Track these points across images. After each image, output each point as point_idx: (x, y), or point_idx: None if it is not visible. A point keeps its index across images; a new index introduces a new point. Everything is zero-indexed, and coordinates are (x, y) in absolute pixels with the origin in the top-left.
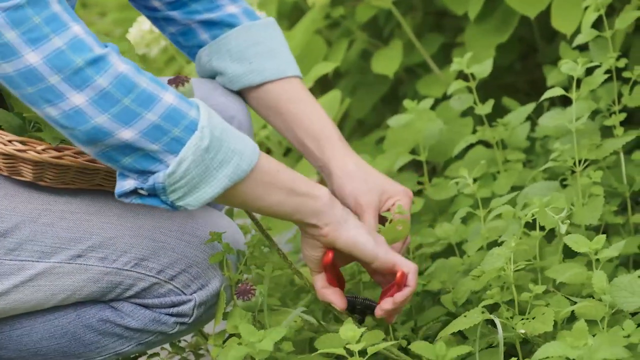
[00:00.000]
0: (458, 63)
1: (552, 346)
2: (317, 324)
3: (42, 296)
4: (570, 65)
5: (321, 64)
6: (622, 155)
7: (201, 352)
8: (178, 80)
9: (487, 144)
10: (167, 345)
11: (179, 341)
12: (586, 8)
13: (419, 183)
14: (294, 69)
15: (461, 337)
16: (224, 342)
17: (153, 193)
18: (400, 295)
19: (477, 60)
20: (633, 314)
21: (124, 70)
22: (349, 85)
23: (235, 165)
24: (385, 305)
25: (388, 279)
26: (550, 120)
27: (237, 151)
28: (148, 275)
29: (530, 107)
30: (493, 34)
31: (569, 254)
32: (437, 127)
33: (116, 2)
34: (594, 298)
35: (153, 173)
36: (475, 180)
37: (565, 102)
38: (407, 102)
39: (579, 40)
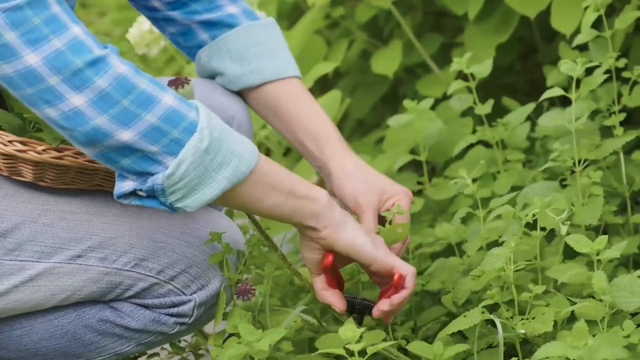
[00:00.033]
0: (458, 63)
1: (552, 346)
2: (317, 324)
3: (42, 296)
4: (569, 65)
5: (321, 64)
6: (621, 155)
7: (201, 352)
8: (178, 82)
9: (486, 144)
10: (167, 346)
11: (179, 341)
12: (586, 8)
13: (419, 183)
14: (294, 69)
15: (461, 337)
16: (224, 342)
17: (152, 194)
18: (397, 297)
19: (476, 60)
20: (633, 314)
21: (123, 71)
22: (348, 85)
23: (234, 167)
24: (382, 306)
25: (386, 280)
26: (550, 120)
27: (237, 153)
28: (148, 276)
29: (530, 107)
30: (493, 34)
31: (569, 254)
32: (437, 127)
33: (116, 2)
34: (594, 298)
35: (152, 174)
36: (475, 180)
37: (565, 102)
38: (406, 102)
39: (579, 40)
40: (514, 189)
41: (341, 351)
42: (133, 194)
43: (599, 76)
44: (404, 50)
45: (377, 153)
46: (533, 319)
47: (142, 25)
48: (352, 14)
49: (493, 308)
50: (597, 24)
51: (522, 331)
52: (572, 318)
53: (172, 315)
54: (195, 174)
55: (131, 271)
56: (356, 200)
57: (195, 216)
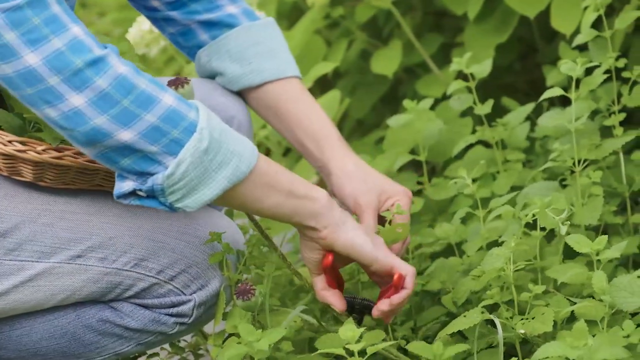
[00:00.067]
0: (457, 63)
1: (552, 346)
2: (317, 324)
3: (42, 296)
4: (569, 65)
5: (321, 64)
6: (621, 155)
7: (200, 352)
8: (178, 82)
9: (486, 144)
10: (166, 345)
11: (179, 341)
12: (586, 8)
13: (419, 183)
14: (294, 69)
15: (461, 337)
16: (224, 342)
17: (152, 194)
18: (397, 298)
19: (476, 60)
20: (633, 314)
21: (123, 71)
22: (348, 85)
23: (234, 167)
24: (382, 306)
25: (386, 280)
26: (549, 120)
27: (236, 153)
28: (148, 276)
29: (529, 107)
30: (492, 34)
31: (569, 254)
32: (437, 127)
33: (116, 2)
34: (593, 298)
35: (152, 174)
36: (474, 180)
37: (564, 102)
38: (406, 102)
39: (579, 40)
40: (513, 189)
41: (341, 351)
42: (133, 194)
43: (598, 76)
44: (404, 50)
45: (377, 153)
46: (533, 319)
47: (141, 25)
48: (352, 14)
49: (493, 308)
50: (596, 24)
51: (522, 331)
52: (571, 318)
53: (171, 315)
54: (195, 174)
55: (131, 271)
56: (356, 200)
57: (195, 216)
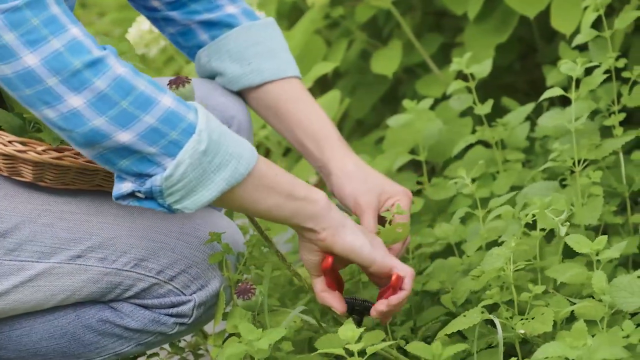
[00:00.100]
0: (457, 63)
1: (552, 346)
2: (316, 324)
3: (42, 296)
4: (569, 65)
5: (320, 64)
6: (621, 155)
7: (200, 352)
8: (179, 81)
9: (486, 144)
10: (166, 346)
11: (179, 341)
12: (585, 8)
13: (418, 183)
14: (294, 69)
15: (460, 337)
16: (224, 342)
17: (150, 196)
18: (394, 299)
19: (476, 60)
20: (632, 315)
21: (122, 72)
22: (348, 85)
23: (232, 168)
24: (380, 307)
25: (385, 282)
26: (549, 120)
27: (235, 154)
28: (148, 276)
29: (529, 107)
30: (492, 34)
31: (569, 254)
32: (437, 127)
33: (115, 2)
34: (593, 298)
35: (150, 176)
36: (474, 180)
37: (564, 102)
38: (406, 102)
39: (579, 40)
40: (513, 189)
41: (341, 351)
42: (131, 195)
43: (598, 76)
44: (404, 50)
45: (377, 153)
46: (532, 319)
47: (141, 25)
48: (352, 14)
49: (492, 308)
50: (596, 24)
51: (522, 331)
52: (571, 318)
53: (171, 315)
54: (193, 176)
55: (131, 271)
56: (356, 200)
57: (195, 216)
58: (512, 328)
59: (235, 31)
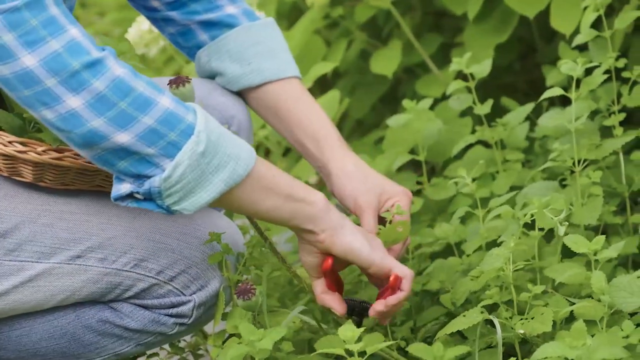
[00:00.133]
0: (457, 63)
1: (551, 346)
2: (316, 324)
3: (42, 297)
4: (569, 65)
5: (320, 64)
6: (621, 155)
7: (200, 352)
8: (179, 81)
9: (486, 144)
10: (166, 346)
11: (178, 341)
12: (585, 8)
13: (418, 183)
14: (293, 69)
15: (460, 337)
16: (224, 342)
17: (149, 197)
18: (392, 299)
19: (476, 60)
20: (632, 314)
21: (120, 73)
22: (348, 85)
23: (231, 169)
24: (378, 307)
25: (384, 282)
26: (549, 120)
27: (234, 156)
28: (147, 276)
29: (529, 107)
30: (492, 34)
31: (568, 254)
32: (436, 127)
33: (115, 2)
34: (592, 298)
35: (149, 177)
36: (474, 180)
37: (564, 102)
38: (406, 102)
39: (578, 40)
40: (513, 189)
41: (341, 352)
42: (130, 196)
43: (598, 76)
44: (403, 50)
45: (377, 153)
46: (532, 319)
47: (141, 25)
48: (351, 14)
49: (492, 308)
50: (596, 24)
51: (521, 331)
52: (571, 318)
53: (171, 315)
54: (192, 177)
55: (131, 272)
56: (356, 201)
57: (194, 217)
58: (512, 328)
59: (235, 31)
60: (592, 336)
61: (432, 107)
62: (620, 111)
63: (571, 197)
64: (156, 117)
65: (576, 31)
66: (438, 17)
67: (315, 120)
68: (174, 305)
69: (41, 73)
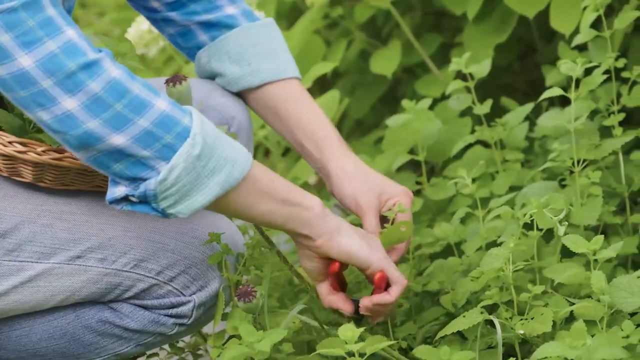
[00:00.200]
0: (457, 63)
1: (551, 346)
2: (315, 325)
3: (41, 297)
4: (569, 65)
5: (320, 64)
6: (620, 155)
7: (200, 352)
8: (176, 79)
9: (485, 144)
10: (166, 346)
11: (178, 342)
12: (585, 8)
13: (418, 183)
14: (293, 69)
15: (460, 337)
16: (224, 343)
17: (144, 200)
18: (377, 298)
19: (475, 60)
20: (632, 315)
21: (116, 75)
22: (347, 86)
23: (227, 173)
24: (365, 302)
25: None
26: (549, 120)
27: (230, 159)
28: (147, 277)
29: (528, 107)
30: (492, 34)
31: (567, 254)
32: (436, 127)
33: (115, 2)
34: (592, 298)
35: (144, 180)
36: (473, 180)
37: (564, 102)
38: (405, 102)
39: (578, 40)
40: (512, 189)
41: (341, 352)
42: (125, 199)
43: (598, 76)
44: (403, 50)
45: (376, 153)
46: (532, 319)
47: (140, 25)
48: (351, 14)
49: (492, 308)
50: (596, 24)
51: (521, 331)
52: (570, 318)
53: (171, 316)
54: (187, 180)
55: (130, 272)
56: (357, 201)
57: (194, 217)
58: (512, 328)
59: (235, 32)
60: (592, 336)
61: (431, 107)
62: (619, 111)
63: (571, 197)
64: (152, 120)
65: (576, 31)
66: (438, 17)
67: (314, 120)
68: (173, 306)
69: (37, 74)
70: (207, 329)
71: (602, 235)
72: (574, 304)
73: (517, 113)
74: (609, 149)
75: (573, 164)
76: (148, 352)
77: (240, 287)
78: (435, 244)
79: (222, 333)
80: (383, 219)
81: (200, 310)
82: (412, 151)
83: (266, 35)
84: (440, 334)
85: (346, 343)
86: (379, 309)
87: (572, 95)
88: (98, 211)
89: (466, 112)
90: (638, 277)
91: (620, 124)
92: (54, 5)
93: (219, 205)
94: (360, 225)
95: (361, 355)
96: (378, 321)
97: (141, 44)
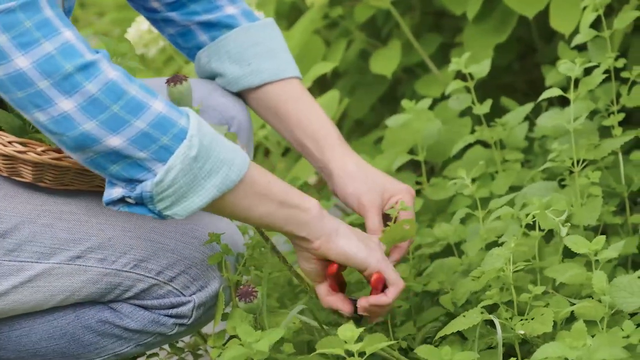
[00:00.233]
0: (456, 63)
1: (551, 347)
2: (315, 325)
3: (41, 297)
4: (568, 65)
5: (320, 64)
6: (620, 155)
7: (200, 352)
8: (176, 79)
9: (485, 144)
10: (166, 346)
11: (178, 342)
12: (585, 8)
13: (418, 183)
14: (293, 69)
15: (460, 337)
16: (224, 343)
17: (140, 202)
18: (373, 298)
19: (475, 60)
20: (632, 315)
21: (113, 77)
22: (347, 86)
23: (224, 175)
24: (361, 302)
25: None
26: (548, 120)
27: (226, 161)
28: (147, 277)
29: (528, 107)
30: (491, 34)
31: (568, 254)
32: (436, 127)
33: (114, 2)
34: (593, 298)
35: (141, 181)
36: (473, 180)
37: (563, 102)
38: (405, 102)
39: (578, 40)
40: (512, 189)
41: (341, 352)
42: (122, 200)
43: (597, 76)
44: (403, 50)
45: (376, 153)
46: (532, 319)
47: (140, 25)
48: (351, 14)
49: (492, 308)
50: (595, 24)
51: (521, 332)
52: (571, 318)
53: (171, 316)
54: (184, 182)
55: (130, 272)
56: (359, 200)
57: (194, 217)
58: (512, 328)
59: (235, 32)
60: (593, 336)
61: (431, 107)
62: (619, 111)
63: (570, 198)
64: (149, 121)
65: (575, 31)
66: (437, 17)
67: (315, 120)
68: (173, 306)
69: (34, 75)
70: (207, 329)
71: (604, 236)
72: (574, 304)
73: (517, 113)
74: (608, 149)
75: (573, 164)
76: (148, 352)
77: (241, 287)
78: (435, 244)
79: (222, 333)
80: (386, 217)
81: (200, 310)
82: (412, 151)
83: (266, 35)
84: (440, 334)
85: (346, 343)
86: (375, 309)
87: (571, 95)
88: (98, 211)
89: (466, 112)
90: (638, 277)
91: (620, 124)
92: (51, 6)
93: (216, 207)
94: (363, 224)
95: (361, 355)
96: (377, 321)
97: (141, 44)
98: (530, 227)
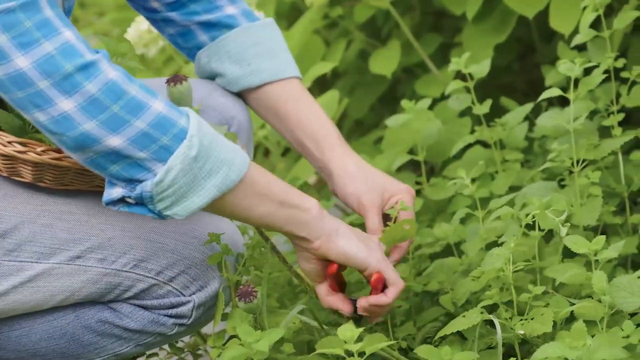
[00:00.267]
0: (456, 63)
1: (551, 347)
2: (315, 325)
3: (41, 297)
4: (568, 66)
5: (319, 64)
6: (620, 155)
7: (199, 352)
8: (177, 79)
9: (485, 144)
10: (165, 346)
11: (177, 342)
12: (584, 8)
13: (417, 183)
14: (293, 69)
15: (460, 337)
16: (224, 343)
17: (140, 202)
18: (373, 299)
19: (475, 60)
20: (632, 315)
21: (113, 77)
22: (347, 86)
23: (224, 175)
24: (361, 302)
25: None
26: (548, 120)
27: (226, 161)
28: (147, 277)
29: (528, 107)
30: (491, 34)
31: (568, 254)
32: (435, 127)
33: (114, 2)
34: (592, 298)
35: (141, 181)
36: (473, 180)
37: (563, 102)
38: (405, 102)
39: (577, 40)
40: (512, 189)
41: (340, 352)
42: (122, 200)
43: (597, 76)
44: (403, 50)
45: (376, 153)
46: (532, 319)
47: (140, 25)
48: (351, 14)
49: (492, 308)
50: (595, 24)
51: (521, 332)
52: (571, 318)
53: (171, 316)
54: (184, 182)
55: (130, 272)
56: (359, 200)
57: (194, 217)
58: (512, 328)
59: (235, 32)
60: (593, 336)
61: (431, 107)
62: (619, 111)
63: (570, 198)
64: (148, 121)
65: (575, 31)
66: (437, 17)
67: (315, 120)
68: (173, 306)
69: (34, 75)
70: (207, 329)
71: (604, 236)
72: (574, 304)
73: (517, 113)
74: (608, 149)
75: (572, 164)
76: (148, 352)
77: (241, 287)
78: (435, 244)
79: (222, 333)
80: (386, 217)
81: (200, 310)
82: (411, 151)
83: (266, 35)
84: (440, 334)
85: (345, 343)
86: (375, 309)
87: (571, 95)
88: (98, 211)
89: (466, 112)
90: (638, 277)
91: (620, 124)
92: (51, 6)
93: (216, 207)
94: (363, 224)
95: (360, 355)
96: (377, 321)
97: (141, 44)
98: (530, 227)
